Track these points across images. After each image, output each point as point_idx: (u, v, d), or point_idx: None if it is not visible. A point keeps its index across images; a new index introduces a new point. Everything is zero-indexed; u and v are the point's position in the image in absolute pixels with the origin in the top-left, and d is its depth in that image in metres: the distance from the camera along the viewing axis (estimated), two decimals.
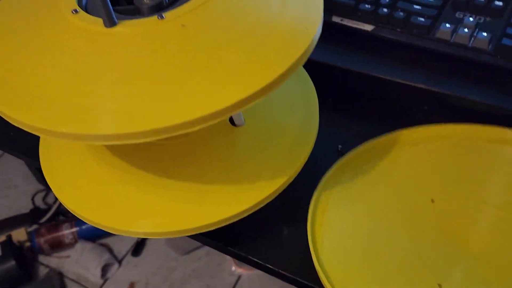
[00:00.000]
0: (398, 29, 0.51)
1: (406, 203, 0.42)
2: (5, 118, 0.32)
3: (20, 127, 0.32)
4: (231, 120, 0.43)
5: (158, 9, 0.37)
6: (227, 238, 0.44)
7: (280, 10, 0.36)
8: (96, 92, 0.31)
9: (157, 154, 0.42)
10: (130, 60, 0.32)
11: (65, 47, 0.34)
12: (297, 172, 0.41)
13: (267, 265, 0.42)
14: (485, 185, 0.43)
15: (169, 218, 0.39)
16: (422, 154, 0.46)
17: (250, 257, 0.43)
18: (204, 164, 0.41)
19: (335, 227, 0.41)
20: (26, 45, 0.35)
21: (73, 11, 0.36)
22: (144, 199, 0.40)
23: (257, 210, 0.39)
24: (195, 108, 0.30)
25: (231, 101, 0.30)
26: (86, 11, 0.37)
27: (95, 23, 0.34)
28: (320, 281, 0.37)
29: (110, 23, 0.33)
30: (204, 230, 0.38)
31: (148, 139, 0.30)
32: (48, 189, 1.46)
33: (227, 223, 0.38)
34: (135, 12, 0.38)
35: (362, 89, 0.52)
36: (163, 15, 0.35)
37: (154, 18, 0.35)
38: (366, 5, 0.53)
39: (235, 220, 0.39)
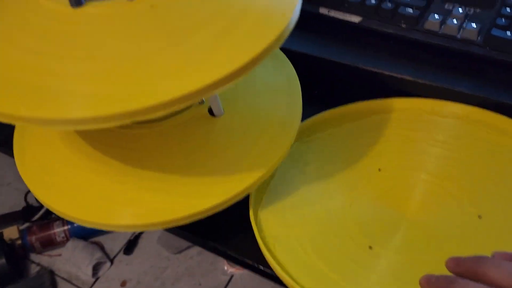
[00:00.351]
0: (386, 21, 0.50)
1: (353, 171, 0.44)
2: None
3: None
4: (210, 110, 0.42)
5: None
6: (206, 232, 0.43)
7: None
8: (61, 74, 0.30)
9: (133, 144, 0.41)
10: (97, 41, 0.31)
11: (30, 27, 0.32)
12: (277, 165, 0.40)
13: (246, 260, 0.41)
14: (428, 156, 0.44)
15: (144, 210, 0.37)
16: (372, 126, 0.47)
17: (229, 252, 0.42)
18: (180, 155, 0.39)
19: (278, 194, 0.42)
20: None
21: None
22: (118, 190, 0.38)
23: (237, 203, 0.38)
24: (164, 91, 0.28)
25: (202, 84, 0.28)
26: None
27: (62, 3, 0.32)
28: None
29: (76, 2, 0.31)
30: (179, 224, 0.37)
31: (116, 123, 0.29)
32: None
33: (204, 216, 0.37)
34: None
35: (349, 82, 0.51)
36: None
37: None
38: None
39: (212, 213, 0.37)
